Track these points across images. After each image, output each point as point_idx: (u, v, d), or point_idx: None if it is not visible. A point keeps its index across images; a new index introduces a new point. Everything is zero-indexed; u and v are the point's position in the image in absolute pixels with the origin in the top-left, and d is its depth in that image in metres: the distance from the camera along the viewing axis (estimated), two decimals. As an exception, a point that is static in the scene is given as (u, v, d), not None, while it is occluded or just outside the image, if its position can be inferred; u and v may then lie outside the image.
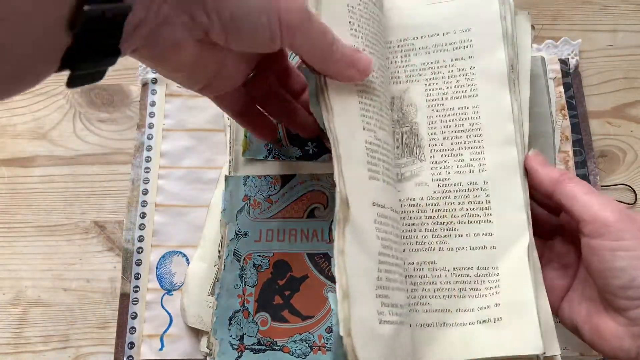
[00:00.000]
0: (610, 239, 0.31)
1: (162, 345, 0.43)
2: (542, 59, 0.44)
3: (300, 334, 0.35)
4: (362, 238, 0.28)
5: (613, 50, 0.52)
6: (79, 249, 0.46)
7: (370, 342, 0.26)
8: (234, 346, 0.35)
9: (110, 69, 0.24)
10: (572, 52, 0.51)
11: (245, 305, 0.36)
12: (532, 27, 0.40)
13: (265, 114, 0.37)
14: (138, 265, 0.45)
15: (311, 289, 0.35)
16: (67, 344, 0.44)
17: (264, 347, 0.35)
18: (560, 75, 0.49)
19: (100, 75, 0.24)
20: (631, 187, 0.48)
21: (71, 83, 0.24)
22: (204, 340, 0.42)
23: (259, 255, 0.36)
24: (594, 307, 0.34)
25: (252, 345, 0.35)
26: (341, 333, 0.25)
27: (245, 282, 0.36)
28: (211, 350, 0.36)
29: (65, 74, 0.23)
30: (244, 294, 0.36)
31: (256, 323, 0.35)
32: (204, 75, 0.30)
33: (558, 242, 0.37)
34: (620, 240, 0.31)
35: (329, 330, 0.35)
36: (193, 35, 0.26)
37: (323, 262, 0.36)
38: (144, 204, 0.47)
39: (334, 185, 0.35)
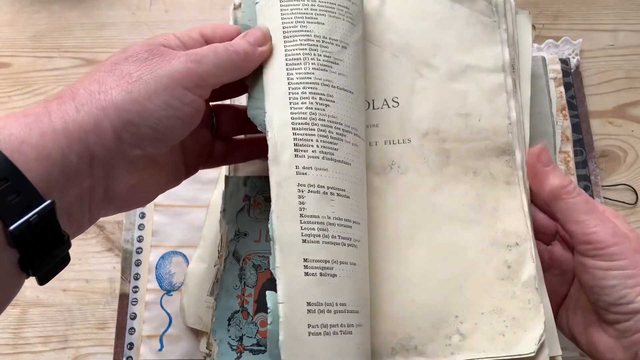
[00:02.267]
0: (603, 260, 0.32)
1: (162, 346, 0.43)
2: (543, 59, 0.44)
3: None
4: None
5: (614, 50, 0.52)
6: (78, 249, 0.46)
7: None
8: (233, 347, 0.35)
9: None
10: (573, 51, 0.51)
11: (245, 305, 0.35)
12: (533, 26, 0.40)
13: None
14: (137, 265, 0.45)
15: None
16: (67, 345, 0.44)
17: (263, 348, 0.34)
18: (561, 75, 0.49)
19: (65, 260, 0.26)
20: (632, 187, 0.48)
21: (42, 280, 0.25)
22: (203, 340, 0.42)
23: (258, 256, 0.36)
24: (589, 317, 0.34)
25: (251, 346, 0.35)
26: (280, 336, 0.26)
27: (244, 282, 0.36)
28: (210, 350, 0.36)
29: None
30: (243, 295, 0.36)
31: (255, 324, 0.35)
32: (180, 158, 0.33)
33: (557, 248, 0.37)
34: (613, 261, 0.31)
35: None
36: (134, 169, 0.28)
37: None
38: (144, 204, 0.47)
39: None
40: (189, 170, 0.34)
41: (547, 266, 0.37)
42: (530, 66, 0.39)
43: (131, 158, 0.27)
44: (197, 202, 0.46)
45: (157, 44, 0.28)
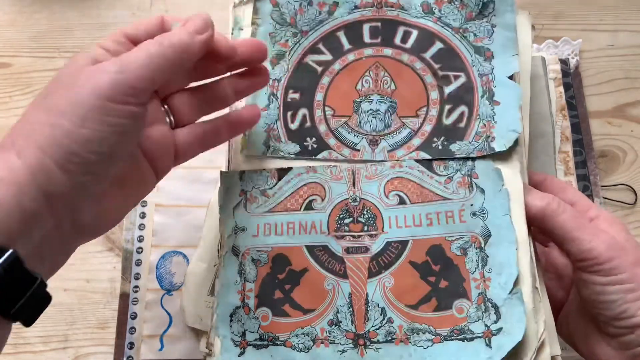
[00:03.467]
0: (602, 275, 0.31)
1: (162, 346, 0.43)
2: (543, 59, 0.44)
3: (302, 328, 0.34)
4: None
5: (613, 50, 0.52)
6: (79, 249, 0.46)
7: None
8: (236, 343, 0.35)
9: None
10: (572, 52, 0.51)
11: (246, 301, 0.35)
12: (533, 27, 0.40)
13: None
14: (138, 265, 0.45)
15: (311, 282, 0.35)
16: (67, 344, 0.44)
17: (266, 343, 0.34)
18: (560, 75, 0.49)
19: (45, 299, 0.26)
20: (631, 187, 0.48)
21: (27, 323, 0.25)
22: (203, 340, 0.42)
23: (257, 250, 0.36)
24: (589, 327, 0.34)
25: (254, 341, 0.34)
26: None
27: (244, 277, 0.36)
28: (210, 350, 0.36)
29: None
30: (243, 290, 0.36)
31: (257, 318, 0.35)
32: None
33: (554, 251, 0.37)
34: (611, 276, 0.31)
35: (331, 322, 0.34)
36: (95, 195, 0.27)
37: (323, 254, 0.35)
38: (144, 204, 0.47)
39: (335, 177, 0.36)
40: (159, 173, 0.32)
41: (544, 269, 0.37)
42: (529, 66, 0.39)
43: (87, 186, 0.26)
44: (197, 202, 0.46)
45: (81, 63, 0.27)
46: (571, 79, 0.50)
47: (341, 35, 0.39)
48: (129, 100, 0.26)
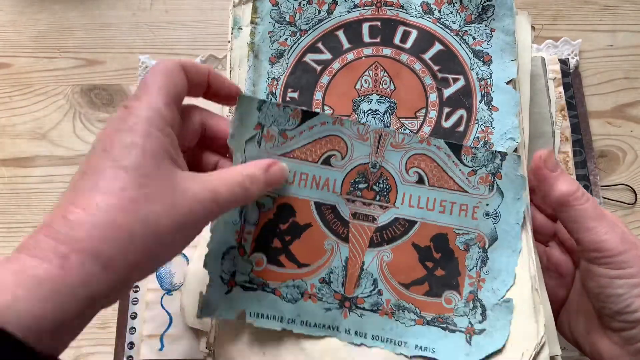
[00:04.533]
0: (612, 267, 0.31)
1: (162, 346, 0.43)
2: (542, 59, 0.44)
3: (293, 280, 0.34)
4: None
5: (613, 50, 0.52)
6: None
7: None
8: (225, 280, 0.34)
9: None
10: (572, 52, 0.51)
11: (242, 243, 0.35)
12: (532, 27, 0.40)
13: None
14: (138, 265, 0.45)
15: (312, 239, 0.35)
16: (67, 344, 0.44)
17: (255, 287, 0.34)
18: (560, 76, 0.49)
19: None
20: (631, 187, 0.48)
21: None
22: (203, 340, 0.42)
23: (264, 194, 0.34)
24: (591, 323, 0.34)
25: (243, 282, 0.34)
26: None
27: (244, 219, 0.35)
28: (210, 350, 0.36)
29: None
30: (242, 231, 0.35)
31: (251, 262, 0.35)
32: None
33: (555, 251, 0.37)
34: (621, 269, 0.31)
35: (323, 280, 0.35)
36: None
37: (329, 213, 0.35)
38: (144, 204, 0.47)
39: (360, 136, 0.35)
40: None
41: (545, 268, 0.37)
42: (529, 67, 0.39)
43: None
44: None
45: (163, 160, 0.26)
46: (571, 79, 0.50)
47: (340, 34, 0.39)
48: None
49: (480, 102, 0.37)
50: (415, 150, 0.35)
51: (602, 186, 0.48)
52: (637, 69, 0.52)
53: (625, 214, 0.48)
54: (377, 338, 0.34)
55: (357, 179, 0.35)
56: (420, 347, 0.33)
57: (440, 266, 0.35)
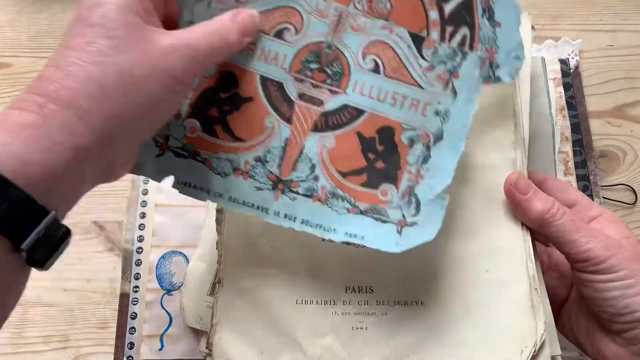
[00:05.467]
0: (601, 273, 0.32)
1: (162, 346, 0.43)
2: (542, 59, 0.44)
3: (226, 153, 0.33)
4: None
5: (613, 50, 0.52)
6: (79, 249, 0.46)
7: None
8: (158, 143, 0.33)
9: None
10: (572, 52, 0.51)
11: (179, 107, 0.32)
12: (532, 27, 0.40)
13: None
14: (138, 265, 0.45)
15: (252, 113, 0.33)
16: (67, 344, 0.44)
17: (186, 154, 0.33)
18: (560, 76, 0.49)
19: (62, 238, 0.25)
20: (631, 187, 0.48)
21: (47, 267, 0.25)
22: (203, 340, 0.42)
23: None
24: (592, 324, 0.34)
25: (175, 147, 0.33)
26: None
27: None
28: (210, 351, 0.36)
29: None
30: None
31: (184, 127, 0.33)
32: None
33: (555, 250, 0.37)
34: (610, 273, 0.31)
35: (258, 159, 0.33)
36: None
37: (275, 90, 0.33)
38: (144, 204, 0.47)
39: (318, 12, 0.33)
40: None
41: (546, 268, 0.37)
42: (529, 67, 0.39)
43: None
44: (197, 202, 0.46)
45: (132, 21, 0.26)
46: (571, 79, 0.50)
47: None
48: (194, 77, 0.28)
49: (482, 16, 0.34)
50: (375, 36, 0.33)
51: (602, 186, 0.48)
52: (637, 69, 0.52)
53: (626, 214, 0.48)
54: (306, 223, 0.33)
55: (308, 58, 0.33)
56: (350, 234, 0.33)
57: (382, 159, 0.33)
